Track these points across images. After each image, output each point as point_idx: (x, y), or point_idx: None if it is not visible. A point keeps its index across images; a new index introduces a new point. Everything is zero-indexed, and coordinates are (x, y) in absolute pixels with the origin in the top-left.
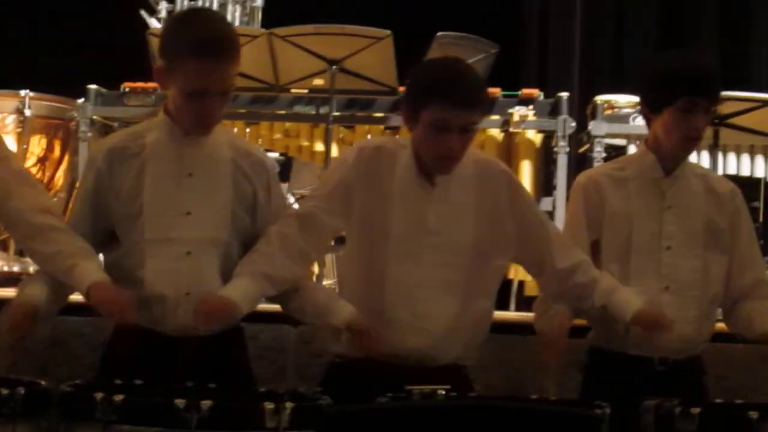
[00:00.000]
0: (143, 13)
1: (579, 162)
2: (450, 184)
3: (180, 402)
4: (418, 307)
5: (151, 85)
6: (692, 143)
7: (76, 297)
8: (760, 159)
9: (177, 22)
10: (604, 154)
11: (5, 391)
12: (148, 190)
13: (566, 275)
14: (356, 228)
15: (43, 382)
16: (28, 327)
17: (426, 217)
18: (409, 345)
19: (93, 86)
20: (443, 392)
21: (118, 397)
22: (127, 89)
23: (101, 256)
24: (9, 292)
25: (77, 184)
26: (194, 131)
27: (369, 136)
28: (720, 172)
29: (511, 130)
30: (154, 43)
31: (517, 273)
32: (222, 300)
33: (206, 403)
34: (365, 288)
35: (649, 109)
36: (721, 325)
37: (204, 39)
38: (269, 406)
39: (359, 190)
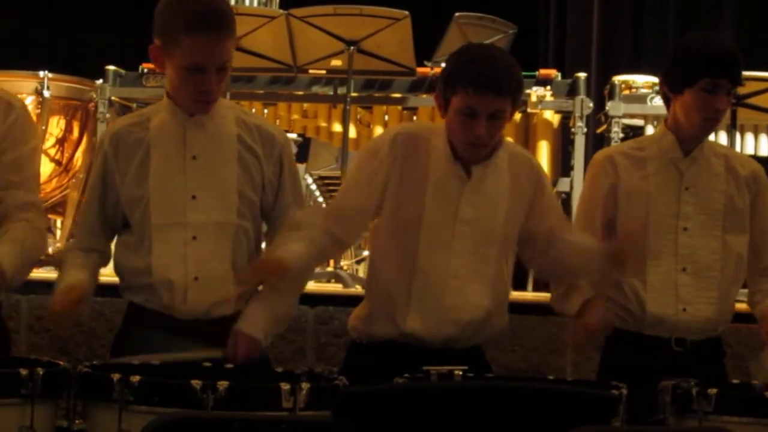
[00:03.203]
0: None
1: (597, 142)
2: (486, 175)
3: (196, 383)
4: (449, 297)
5: None
6: (713, 124)
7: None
8: None
9: (169, 0)
10: (621, 135)
11: (24, 372)
12: (154, 175)
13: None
14: (389, 214)
15: (61, 363)
16: (77, 309)
17: (459, 206)
18: (438, 334)
19: (111, 67)
20: (460, 373)
21: (135, 378)
22: (145, 70)
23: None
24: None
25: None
26: (194, 109)
27: (386, 117)
28: None
29: (529, 110)
30: None
31: None
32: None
33: (223, 384)
34: (396, 275)
35: (669, 90)
36: (740, 306)
37: (197, 14)
38: (286, 386)
39: (394, 178)
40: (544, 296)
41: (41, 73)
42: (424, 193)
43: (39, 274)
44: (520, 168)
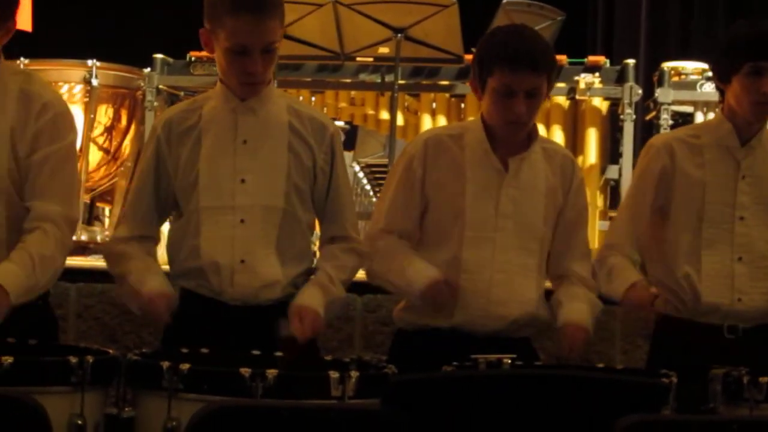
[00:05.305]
0: None
1: (645, 129)
2: (522, 169)
3: (246, 371)
4: (495, 293)
5: None
6: (764, 108)
7: None
8: None
9: None
10: (671, 122)
11: (74, 360)
12: (204, 159)
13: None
14: (431, 211)
15: (111, 351)
16: (167, 315)
17: (498, 200)
18: (485, 328)
19: (159, 55)
20: (509, 361)
21: (184, 366)
22: (193, 58)
23: (167, 225)
24: (77, 261)
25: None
26: (241, 92)
27: (434, 105)
28: None
29: (578, 97)
30: None
31: None
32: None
33: (272, 372)
34: (441, 271)
35: (719, 80)
36: None
37: None
38: (335, 375)
39: (431, 181)
40: None
41: (89, 62)
42: (464, 190)
43: (87, 262)
44: (555, 163)
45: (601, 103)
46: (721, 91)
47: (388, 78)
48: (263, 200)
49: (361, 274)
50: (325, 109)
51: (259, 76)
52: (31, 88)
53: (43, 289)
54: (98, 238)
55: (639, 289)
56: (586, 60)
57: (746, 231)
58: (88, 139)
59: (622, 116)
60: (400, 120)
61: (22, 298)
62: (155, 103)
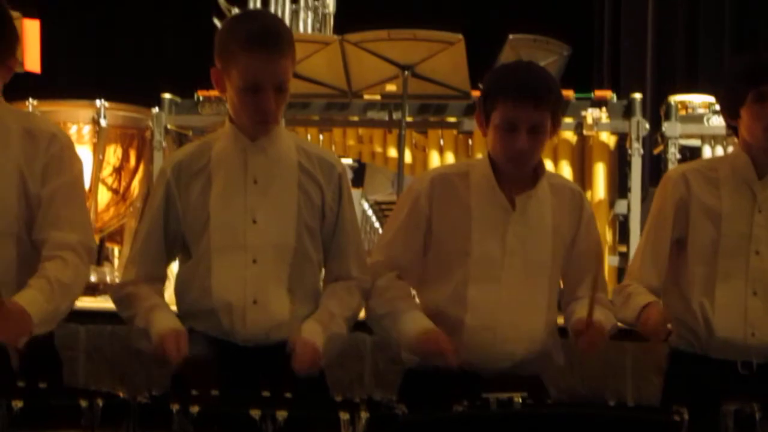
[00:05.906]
0: (216, 20)
1: (653, 163)
2: (529, 206)
3: (255, 413)
4: (502, 330)
5: None
6: None
7: None
8: None
9: (228, 22)
10: (678, 156)
11: (84, 403)
12: (215, 199)
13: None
14: (436, 250)
15: (120, 394)
16: (180, 353)
17: (505, 238)
18: (492, 368)
19: (167, 95)
20: (519, 399)
21: (194, 409)
22: (201, 98)
23: (176, 266)
24: (87, 302)
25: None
26: (253, 131)
27: (441, 141)
28: None
29: (585, 132)
30: None
31: None
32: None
33: (282, 414)
34: (447, 309)
35: (730, 118)
36: None
37: (253, 32)
38: (345, 415)
39: (437, 219)
40: None
41: (98, 102)
42: (470, 228)
43: (97, 303)
44: (563, 198)
45: (608, 138)
46: (734, 129)
47: (396, 115)
48: (275, 240)
49: None
50: (333, 146)
51: (271, 114)
52: (34, 126)
53: (62, 315)
54: (108, 278)
55: (653, 310)
56: (592, 94)
57: (761, 265)
58: (97, 179)
59: (629, 150)
60: (408, 157)
61: (42, 325)
62: (164, 143)
